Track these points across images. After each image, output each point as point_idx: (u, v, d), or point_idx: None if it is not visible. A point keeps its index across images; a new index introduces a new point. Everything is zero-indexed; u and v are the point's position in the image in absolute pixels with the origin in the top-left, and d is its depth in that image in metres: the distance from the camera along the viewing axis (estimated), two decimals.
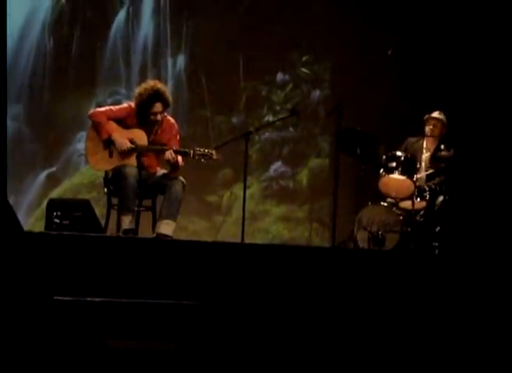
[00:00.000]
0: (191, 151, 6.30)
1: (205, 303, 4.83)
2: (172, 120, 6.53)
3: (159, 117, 6.34)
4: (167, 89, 6.45)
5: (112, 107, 6.50)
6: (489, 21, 8.49)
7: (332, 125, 7.87)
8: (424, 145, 7.56)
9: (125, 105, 6.50)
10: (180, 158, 6.32)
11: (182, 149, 6.36)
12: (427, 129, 7.54)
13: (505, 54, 8.43)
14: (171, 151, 6.25)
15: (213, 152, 6.34)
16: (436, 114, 7.55)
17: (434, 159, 7.38)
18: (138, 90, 6.38)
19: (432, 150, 7.49)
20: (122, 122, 6.37)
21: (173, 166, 6.31)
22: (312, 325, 4.91)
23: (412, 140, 7.61)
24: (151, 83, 6.40)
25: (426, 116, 7.57)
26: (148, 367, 4.35)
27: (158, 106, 6.31)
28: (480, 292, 5.32)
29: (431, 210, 7.23)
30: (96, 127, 6.32)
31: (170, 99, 6.39)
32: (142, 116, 6.35)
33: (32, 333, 4.17)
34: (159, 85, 6.37)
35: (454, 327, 5.07)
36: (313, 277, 5.18)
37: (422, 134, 7.58)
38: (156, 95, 6.29)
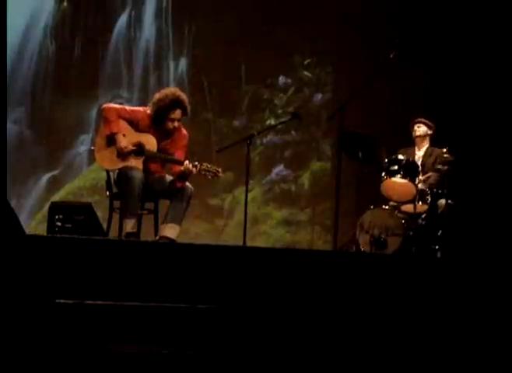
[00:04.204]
0: (198, 166, 6.26)
1: (207, 306, 4.83)
2: (184, 132, 6.45)
3: (176, 124, 6.27)
4: (187, 98, 6.38)
5: (126, 107, 6.41)
6: (491, 20, 8.51)
7: (334, 128, 7.87)
8: (416, 151, 7.60)
9: (140, 108, 6.41)
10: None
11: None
12: (414, 130, 7.64)
13: (506, 57, 8.44)
14: (192, 163, 6.21)
15: (219, 170, 6.30)
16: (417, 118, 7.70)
17: (427, 159, 7.44)
18: (157, 96, 6.29)
19: (423, 153, 7.54)
20: (134, 124, 6.31)
21: (185, 177, 6.29)
22: (314, 329, 4.91)
23: (402, 150, 7.63)
24: (172, 90, 6.34)
25: (410, 122, 7.68)
26: (149, 372, 4.35)
27: (178, 113, 6.25)
28: (482, 296, 5.32)
29: (433, 214, 7.24)
30: (104, 122, 6.27)
31: (189, 108, 6.34)
32: (158, 121, 6.28)
33: (34, 336, 4.17)
34: (180, 93, 6.31)
35: (455, 330, 5.07)
36: (315, 281, 5.18)
37: (411, 144, 7.65)
38: (177, 102, 6.23)
